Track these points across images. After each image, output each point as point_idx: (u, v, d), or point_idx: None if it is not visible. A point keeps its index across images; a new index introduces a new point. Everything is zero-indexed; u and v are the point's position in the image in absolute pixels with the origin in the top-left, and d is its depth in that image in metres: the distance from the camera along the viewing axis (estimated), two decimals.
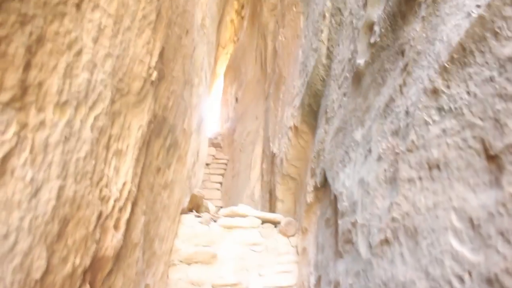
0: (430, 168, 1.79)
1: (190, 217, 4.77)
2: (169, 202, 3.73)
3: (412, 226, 1.84)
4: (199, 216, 4.87)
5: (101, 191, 1.77)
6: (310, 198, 3.96)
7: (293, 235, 4.71)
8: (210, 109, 12.80)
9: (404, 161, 2.03)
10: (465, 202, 1.52)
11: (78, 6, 1.50)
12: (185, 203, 5.02)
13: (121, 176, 1.99)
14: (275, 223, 4.99)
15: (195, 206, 5.13)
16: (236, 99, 11.52)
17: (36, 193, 1.25)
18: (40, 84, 1.25)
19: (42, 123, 1.27)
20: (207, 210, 5.12)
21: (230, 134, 10.80)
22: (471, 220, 1.47)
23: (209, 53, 8.08)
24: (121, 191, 2.01)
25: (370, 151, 2.54)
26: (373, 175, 2.40)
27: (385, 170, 2.26)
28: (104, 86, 1.69)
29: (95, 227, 1.75)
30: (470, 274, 1.40)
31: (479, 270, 1.36)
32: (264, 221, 4.96)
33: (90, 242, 1.72)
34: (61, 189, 1.40)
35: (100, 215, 1.79)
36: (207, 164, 9.77)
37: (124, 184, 2.04)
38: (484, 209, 1.41)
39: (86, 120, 1.55)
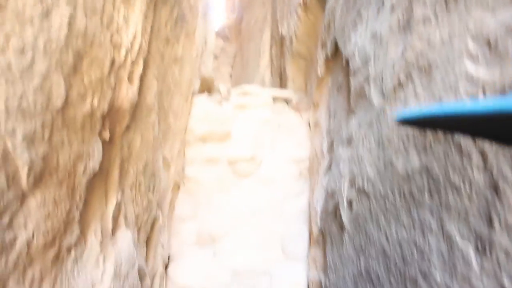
0: (446, 1, 1.73)
1: (203, 98, 4.80)
2: (180, 79, 3.73)
3: (426, 62, 1.83)
4: (211, 97, 4.91)
5: (112, 36, 1.75)
6: (321, 71, 3.93)
7: (305, 110, 4.75)
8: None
9: (418, 1, 1.96)
10: (483, 25, 1.49)
11: None
12: (196, 86, 5.04)
13: (131, 26, 1.95)
14: (287, 101, 5.02)
15: (207, 89, 5.15)
16: None
17: (47, 14, 1.24)
18: None
19: None
20: (219, 92, 5.15)
21: (237, 24, 10.49)
22: (487, 41, 1.45)
23: None
24: (132, 43, 1.99)
25: (383, 4, 2.46)
26: (386, 25, 2.34)
27: (398, 18, 2.20)
28: None
29: (110, 72, 1.76)
30: (484, 90, 1.42)
31: (493, 86, 1.37)
32: (276, 99, 4.99)
33: (106, 87, 1.74)
34: (71, 18, 1.38)
35: (113, 61, 1.79)
36: (215, 57, 9.64)
37: (134, 36, 2.01)
38: (502, 26, 1.38)
39: None
